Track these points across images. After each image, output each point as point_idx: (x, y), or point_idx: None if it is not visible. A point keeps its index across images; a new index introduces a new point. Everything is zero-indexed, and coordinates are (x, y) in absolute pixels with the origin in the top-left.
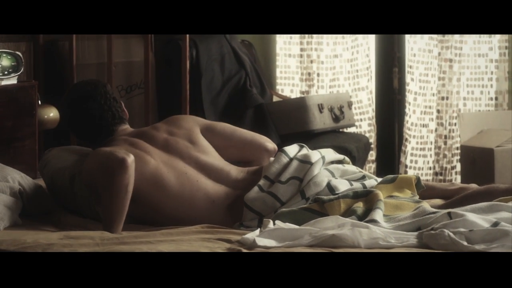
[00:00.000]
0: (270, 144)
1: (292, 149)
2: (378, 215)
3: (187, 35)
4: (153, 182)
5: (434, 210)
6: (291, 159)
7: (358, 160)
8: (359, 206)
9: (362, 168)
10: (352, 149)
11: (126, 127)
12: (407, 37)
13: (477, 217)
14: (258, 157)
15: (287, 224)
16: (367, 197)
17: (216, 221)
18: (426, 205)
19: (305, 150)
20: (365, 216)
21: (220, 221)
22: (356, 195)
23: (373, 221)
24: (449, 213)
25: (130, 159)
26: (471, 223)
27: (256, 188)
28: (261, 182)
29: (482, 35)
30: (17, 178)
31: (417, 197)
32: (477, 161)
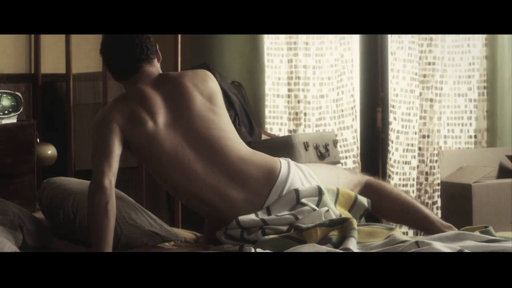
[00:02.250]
0: None
1: (306, 192)
2: (351, 243)
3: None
4: (150, 145)
5: (404, 239)
6: (300, 204)
7: None
8: (335, 234)
9: None
10: None
11: (154, 69)
12: (390, 77)
13: (442, 246)
14: None
15: (267, 252)
16: (342, 225)
17: (205, 208)
18: (398, 233)
19: (319, 203)
20: (340, 243)
21: (207, 208)
22: (332, 224)
23: (347, 250)
24: (416, 242)
25: (107, 181)
26: (436, 251)
27: (253, 216)
28: (260, 212)
29: (461, 76)
30: (17, 212)
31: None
32: (456, 196)
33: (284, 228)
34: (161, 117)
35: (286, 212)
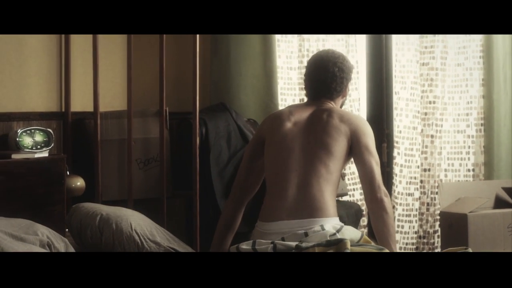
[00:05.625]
0: (379, 195)
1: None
2: None
3: (197, 116)
4: (268, 143)
5: None
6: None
7: (348, 224)
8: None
9: None
10: (342, 214)
11: (329, 103)
12: (394, 115)
13: None
14: (365, 195)
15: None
16: (337, 245)
17: (267, 185)
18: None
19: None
20: None
21: (268, 189)
22: (329, 244)
23: None
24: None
25: (232, 193)
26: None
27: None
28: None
29: (460, 114)
30: (45, 232)
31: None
32: (454, 225)
33: (293, 244)
34: (296, 124)
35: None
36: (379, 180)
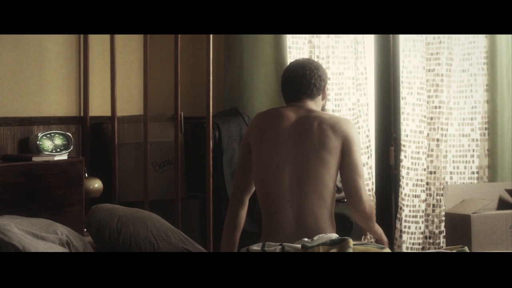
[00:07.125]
0: (362, 207)
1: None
2: None
3: (211, 120)
4: (258, 147)
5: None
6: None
7: (356, 225)
8: (334, 251)
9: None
10: (350, 215)
11: (312, 104)
12: (401, 120)
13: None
14: (349, 204)
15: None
16: (341, 244)
17: (261, 205)
18: (388, 251)
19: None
20: None
21: (262, 209)
22: (333, 243)
23: None
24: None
25: (233, 195)
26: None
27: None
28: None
29: (465, 118)
30: (64, 231)
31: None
32: (458, 226)
33: (300, 246)
34: (281, 140)
35: None
36: (361, 193)
